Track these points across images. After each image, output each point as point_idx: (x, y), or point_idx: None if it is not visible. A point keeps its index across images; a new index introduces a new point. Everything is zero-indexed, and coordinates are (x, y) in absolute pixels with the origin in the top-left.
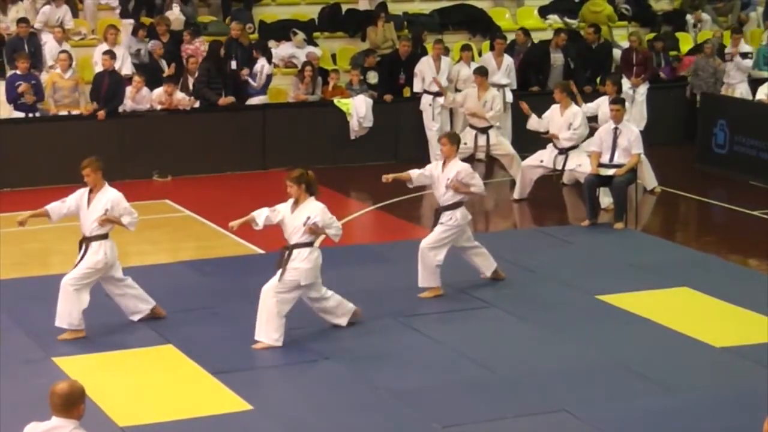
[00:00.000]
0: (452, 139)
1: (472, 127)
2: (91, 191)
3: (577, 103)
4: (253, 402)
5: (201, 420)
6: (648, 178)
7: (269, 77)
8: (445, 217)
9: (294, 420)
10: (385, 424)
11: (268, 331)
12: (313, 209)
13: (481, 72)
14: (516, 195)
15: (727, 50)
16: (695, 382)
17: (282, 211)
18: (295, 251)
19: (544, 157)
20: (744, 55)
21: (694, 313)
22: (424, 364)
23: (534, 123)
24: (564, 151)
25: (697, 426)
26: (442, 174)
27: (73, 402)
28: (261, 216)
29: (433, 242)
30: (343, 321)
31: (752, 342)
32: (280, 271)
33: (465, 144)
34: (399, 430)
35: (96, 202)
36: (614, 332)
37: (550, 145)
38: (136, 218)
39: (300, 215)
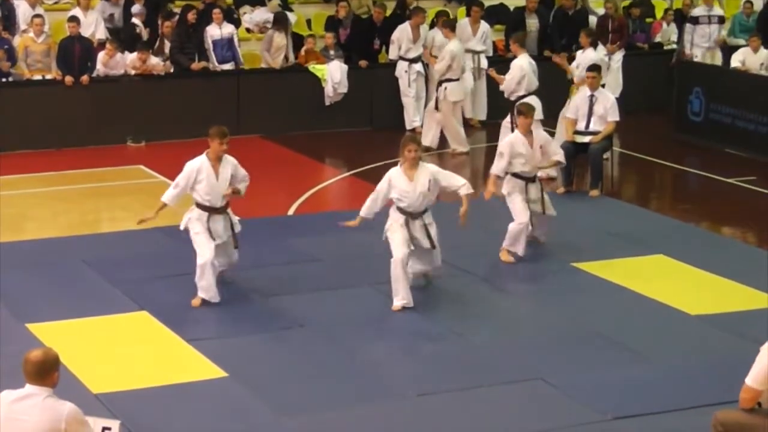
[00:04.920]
0: (529, 108)
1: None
2: (212, 161)
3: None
4: (227, 369)
5: (175, 387)
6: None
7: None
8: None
9: (268, 387)
10: (359, 392)
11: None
12: (430, 171)
13: (448, 24)
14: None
15: (698, 12)
16: (671, 350)
17: (393, 185)
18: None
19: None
20: (722, 19)
21: (669, 280)
22: (400, 332)
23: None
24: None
25: (673, 393)
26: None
27: (47, 370)
28: (375, 206)
29: None
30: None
31: (728, 310)
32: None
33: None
34: (373, 398)
35: (223, 171)
36: (590, 300)
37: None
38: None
39: (423, 179)
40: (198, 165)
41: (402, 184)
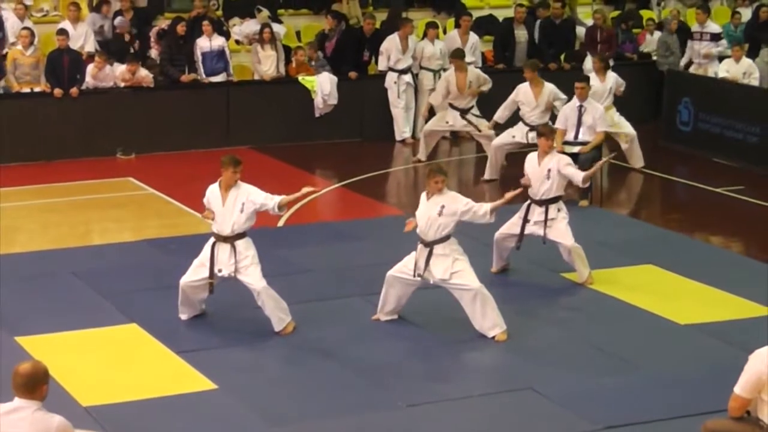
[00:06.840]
0: (549, 130)
1: (453, 107)
2: (222, 189)
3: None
4: (217, 381)
5: (165, 399)
6: (636, 156)
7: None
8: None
9: (259, 399)
10: (349, 402)
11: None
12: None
13: (458, 55)
14: (486, 176)
15: (694, 29)
16: (661, 359)
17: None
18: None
19: (516, 133)
20: (715, 36)
21: (658, 290)
22: (390, 342)
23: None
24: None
25: (663, 402)
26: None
27: (36, 383)
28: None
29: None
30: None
31: (717, 319)
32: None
33: (447, 122)
34: (363, 408)
35: (231, 199)
36: (580, 310)
37: (520, 123)
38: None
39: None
40: (211, 189)
41: (420, 207)
